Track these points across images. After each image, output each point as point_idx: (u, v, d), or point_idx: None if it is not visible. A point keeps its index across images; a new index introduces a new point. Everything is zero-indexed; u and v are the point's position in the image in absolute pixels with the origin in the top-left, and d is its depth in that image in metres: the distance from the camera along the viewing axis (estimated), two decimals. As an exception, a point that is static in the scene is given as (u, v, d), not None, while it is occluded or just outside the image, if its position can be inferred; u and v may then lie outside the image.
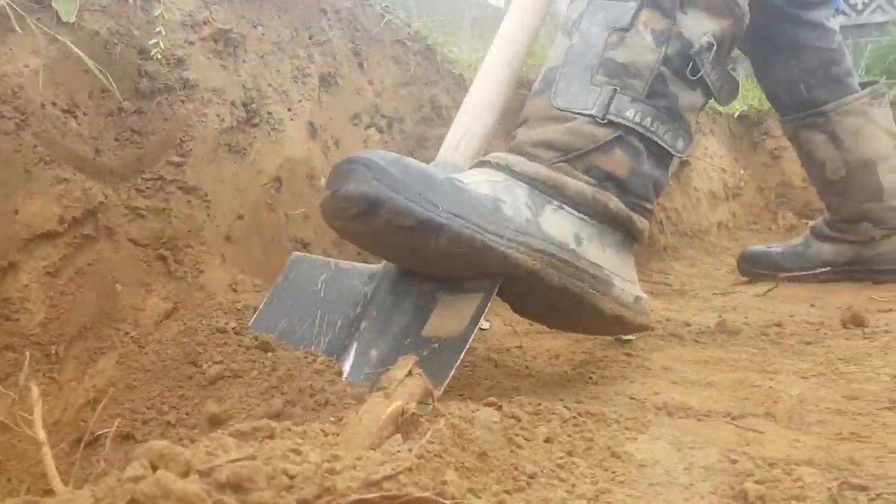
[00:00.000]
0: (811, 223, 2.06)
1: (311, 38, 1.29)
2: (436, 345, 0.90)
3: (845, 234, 1.91)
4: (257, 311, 1.04)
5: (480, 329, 1.30)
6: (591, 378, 1.07)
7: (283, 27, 1.24)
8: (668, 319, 1.41)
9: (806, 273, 1.90)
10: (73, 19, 0.94)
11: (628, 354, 1.18)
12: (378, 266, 1.04)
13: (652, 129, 1.01)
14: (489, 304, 0.91)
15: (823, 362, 1.12)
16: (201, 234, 1.06)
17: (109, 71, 0.97)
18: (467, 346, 0.87)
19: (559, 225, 0.97)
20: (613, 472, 0.70)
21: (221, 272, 1.09)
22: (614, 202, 1.00)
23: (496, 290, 0.92)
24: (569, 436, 0.77)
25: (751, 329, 1.35)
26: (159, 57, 1.03)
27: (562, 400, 0.89)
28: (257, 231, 1.16)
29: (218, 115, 1.10)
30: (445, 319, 0.93)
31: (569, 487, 0.65)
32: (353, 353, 0.95)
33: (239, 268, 1.11)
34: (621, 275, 1.02)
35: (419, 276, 0.99)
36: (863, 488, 0.62)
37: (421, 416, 0.70)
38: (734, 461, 0.71)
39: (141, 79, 1.01)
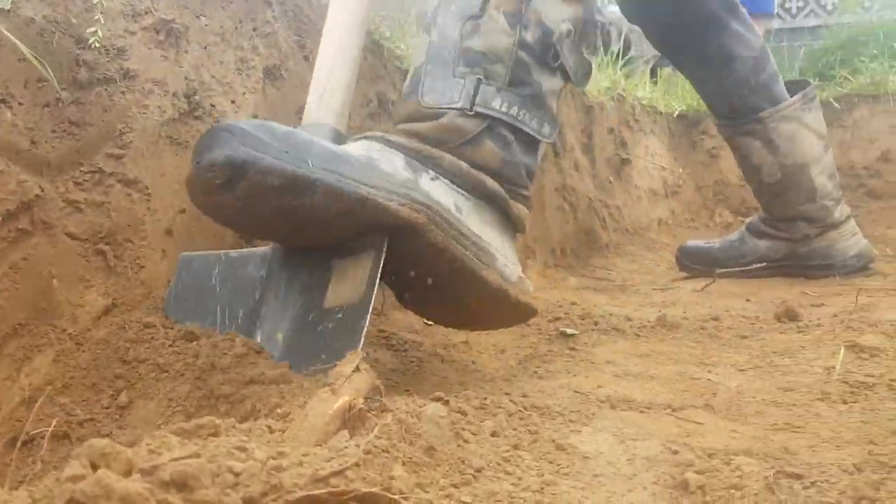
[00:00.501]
0: (747, 220, 2.12)
1: (255, 29, 1.27)
2: (339, 315, 0.88)
3: (780, 231, 1.98)
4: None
5: (426, 324, 1.31)
6: (536, 372, 1.08)
7: (227, 18, 1.21)
8: (610, 314, 1.43)
9: (742, 270, 1.96)
10: (7, 6, 0.91)
11: (572, 349, 1.20)
12: (269, 248, 1.00)
13: (519, 117, 1.00)
14: (382, 260, 0.88)
15: (759, 355, 1.16)
16: (142, 228, 1.04)
17: (46, 60, 0.93)
18: (371, 308, 0.85)
19: (439, 193, 0.95)
20: (558, 465, 0.71)
21: (162, 267, 1.06)
22: (490, 181, 0.99)
23: (385, 244, 0.89)
24: (514, 429, 0.78)
25: (690, 323, 1.39)
26: (98, 46, 1.00)
27: (508, 394, 0.90)
28: (200, 226, 1.14)
29: (159, 107, 1.07)
30: (343, 287, 0.91)
31: (515, 480, 0.66)
32: (258, 341, 0.92)
33: (181, 263, 1.09)
34: (504, 253, 1.00)
35: (309, 248, 0.96)
36: (798, 477, 0.64)
37: (368, 411, 0.70)
38: (675, 452, 0.73)
39: (79, 68, 0.98)
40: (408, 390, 0.98)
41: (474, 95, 0.98)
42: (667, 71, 3.44)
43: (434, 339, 1.21)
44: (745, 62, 1.86)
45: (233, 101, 1.20)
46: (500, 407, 0.82)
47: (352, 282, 0.90)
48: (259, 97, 1.26)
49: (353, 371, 0.74)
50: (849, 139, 2.94)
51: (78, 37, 0.98)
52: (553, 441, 0.76)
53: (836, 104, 2.96)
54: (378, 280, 0.87)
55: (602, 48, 3.22)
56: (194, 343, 0.92)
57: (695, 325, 1.37)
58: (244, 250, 1.04)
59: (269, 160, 0.81)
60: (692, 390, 0.98)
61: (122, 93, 1.03)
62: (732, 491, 0.64)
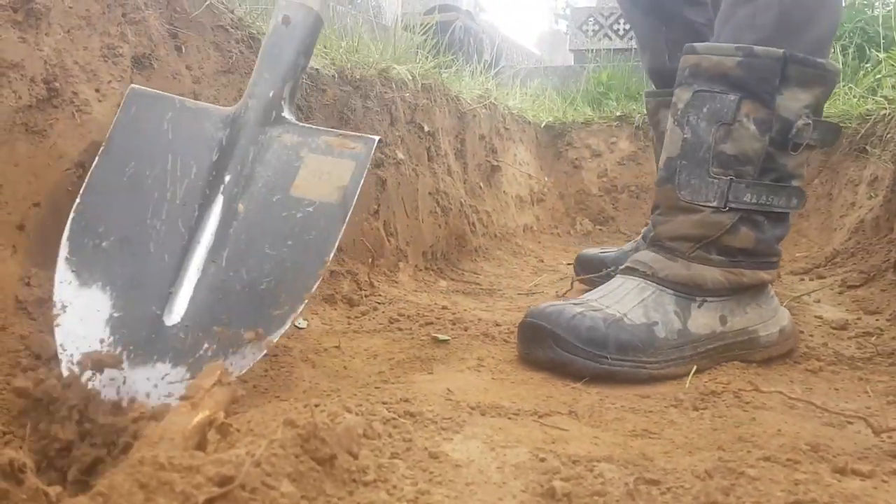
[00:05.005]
0: (644, 229, 2.08)
1: (124, 15, 1.21)
2: (310, 208, 0.95)
3: None
4: (95, 161, 1.01)
5: (296, 327, 1.29)
6: (409, 378, 1.09)
7: (94, 1, 1.14)
8: (479, 319, 1.46)
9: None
10: None
11: (445, 354, 1.22)
12: (230, 109, 1.05)
13: (768, 203, 1.18)
14: (365, 171, 0.97)
15: (617, 362, 1.21)
16: (-9, 221, 0.96)
17: None
18: (348, 217, 0.94)
19: (705, 319, 1.18)
20: (432, 473, 0.72)
21: (12, 265, 0.99)
22: (748, 276, 1.20)
23: (370, 157, 0.99)
24: (390, 436, 0.79)
25: (554, 330, 1.43)
26: (-54, 22, 0.92)
27: (384, 402, 0.90)
28: (56, 221, 1.07)
29: (15, 92, 1.00)
30: (315, 181, 0.98)
31: (390, 489, 0.67)
32: (218, 205, 0.97)
33: (33, 260, 1.02)
34: (764, 321, 1.23)
35: (279, 127, 1.05)
36: (655, 483, 0.69)
37: (230, 425, 0.67)
38: (542, 459, 0.76)
39: (-78, 45, 0.90)
40: (278, 397, 0.97)
41: (727, 194, 1.16)
42: (535, 83, 3.55)
43: (305, 343, 1.20)
44: (686, 25, 1.78)
45: (97, 90, 1.14)
46: (374, 414, 0.82)
47: (328, 181, 0.98)
48: (126, 87, 1.20)
49: (214, 384, 0.72)
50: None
51: (-77, 11, 0.90)
52: (426, 449, 0.77)
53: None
54: (358, 190, 0.97)
55: (475, 56, 3.28)
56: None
57: (558, 332, 1.42)
58: (201, 104, 1.08)
59: (580, 363, 1.10)
60: (556, 397, 1.02)
61: (-27, 75, 0.95)
62: (596, 498, 0.68)
